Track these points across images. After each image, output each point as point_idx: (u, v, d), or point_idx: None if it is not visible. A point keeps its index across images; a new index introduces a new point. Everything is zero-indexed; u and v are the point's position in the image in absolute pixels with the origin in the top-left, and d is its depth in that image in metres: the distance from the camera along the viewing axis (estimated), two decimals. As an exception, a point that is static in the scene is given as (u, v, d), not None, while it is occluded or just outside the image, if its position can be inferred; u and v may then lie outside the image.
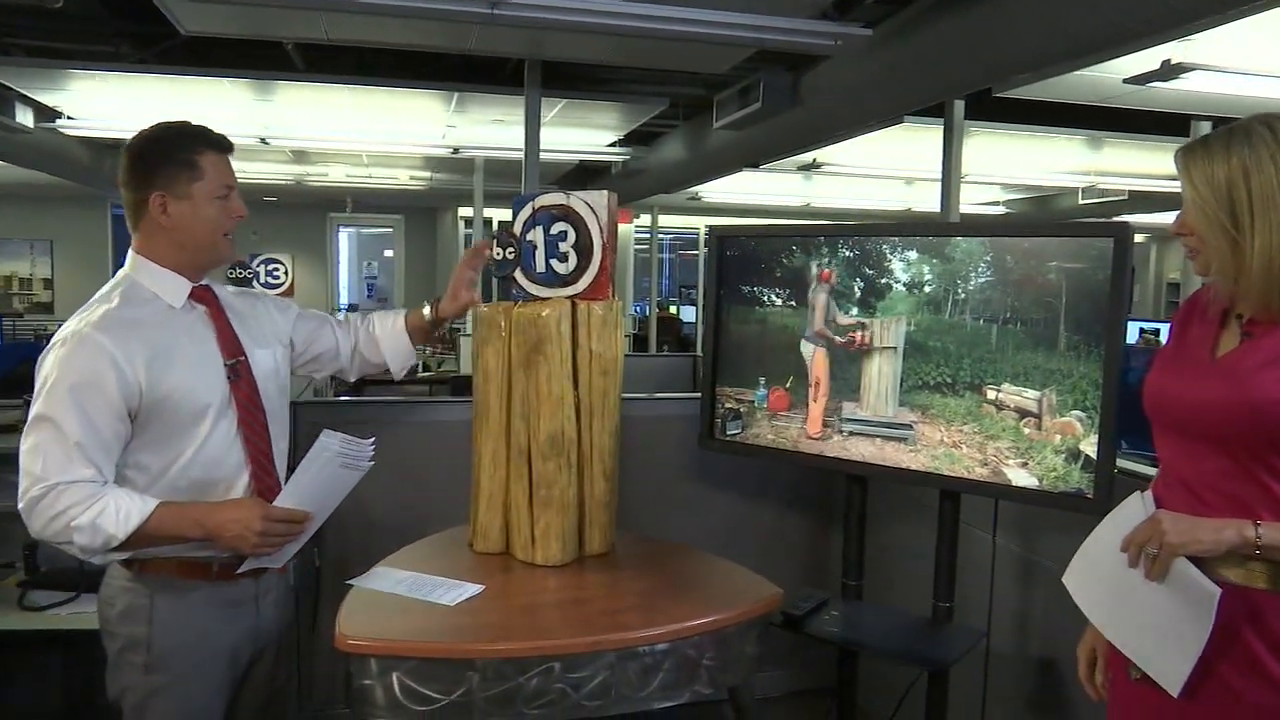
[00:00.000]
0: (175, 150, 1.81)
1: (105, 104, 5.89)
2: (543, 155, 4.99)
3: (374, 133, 6.58)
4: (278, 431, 1.94)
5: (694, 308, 13.18)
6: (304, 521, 1.79)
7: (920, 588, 2.66)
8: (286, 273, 13.01)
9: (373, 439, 1.81)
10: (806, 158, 7.15)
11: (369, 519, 2.92)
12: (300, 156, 8.47)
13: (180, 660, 1.82)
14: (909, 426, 2.17)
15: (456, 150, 6.87)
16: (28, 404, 2.60)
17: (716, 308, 2.48)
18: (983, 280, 2.05)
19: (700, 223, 12.88)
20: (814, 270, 2.31)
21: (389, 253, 13.53)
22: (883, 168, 7.32)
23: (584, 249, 2.13)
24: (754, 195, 10.49)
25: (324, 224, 12.74)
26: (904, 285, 2.17)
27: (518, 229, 2.19)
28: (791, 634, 2.24)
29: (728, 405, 2.49)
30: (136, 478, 1.78)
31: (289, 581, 2.13)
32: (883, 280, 2.20)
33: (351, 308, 8.07)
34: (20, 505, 1.69)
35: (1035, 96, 5.04)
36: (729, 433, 2.49)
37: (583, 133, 6.61)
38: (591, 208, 2.13)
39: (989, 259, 2.04)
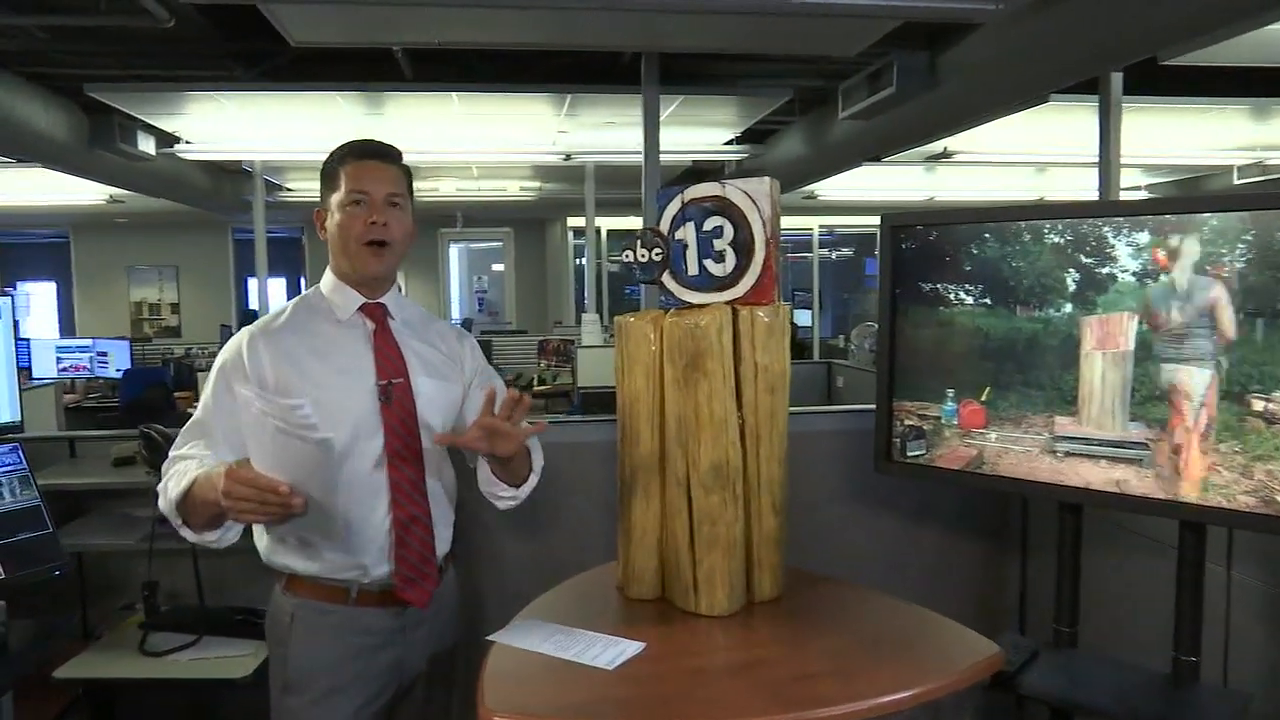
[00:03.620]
0: (325, 165, 1.82)
1: (221, 126, 5.91)
2: (659, 155, 4.73)
3: (484, 142, 6.44)
4: (438, 463, 1.86)
5: (809, 312, 12.76)
6: (278, 494, 1.46)
7: (1141, 633, 2.27)
8: (400, 289, 13.10)
9: (302, 401, 1.47)
10: (936, 147, 6.70)
11: (498, 551, 2.68)
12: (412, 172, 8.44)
13: (314, 686, 1.77)
14: (1143, 445, 1.80)
15: (568, 156, 6.68)
16: (144, 434, 2.47)
17: (892, 310, 2.15)
18: (1243, 264, 1.66)
19: (814, 222, 12.46)
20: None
21: (498, 267, 13.52)
22: (1022, 153, 6.79)
23: (744, 246, 1.83)
24: (872, 190, 10.03)
25: (435, 240, 12.81)
26: (1133, 275, 1.80)
27: (664, 226, 1.91)
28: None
29: (908, 422, 2.15)
30: None
31: (446, 615, 1.96)
32: (1104, 270, 1.83)
33: (465, 323, 7.94)
34: None
35: (1207, 62, 4.52)
36: (910, 454, 2.15)
37: (698, 132, 6.34)
38: (751, 198, 1.83)
39: (1251, 237, 1.65)
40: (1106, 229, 1.83)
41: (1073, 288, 1.88)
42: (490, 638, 1.67)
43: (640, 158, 4.73)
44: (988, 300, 2.00)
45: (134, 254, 12.13)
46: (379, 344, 1.81)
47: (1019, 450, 1.98)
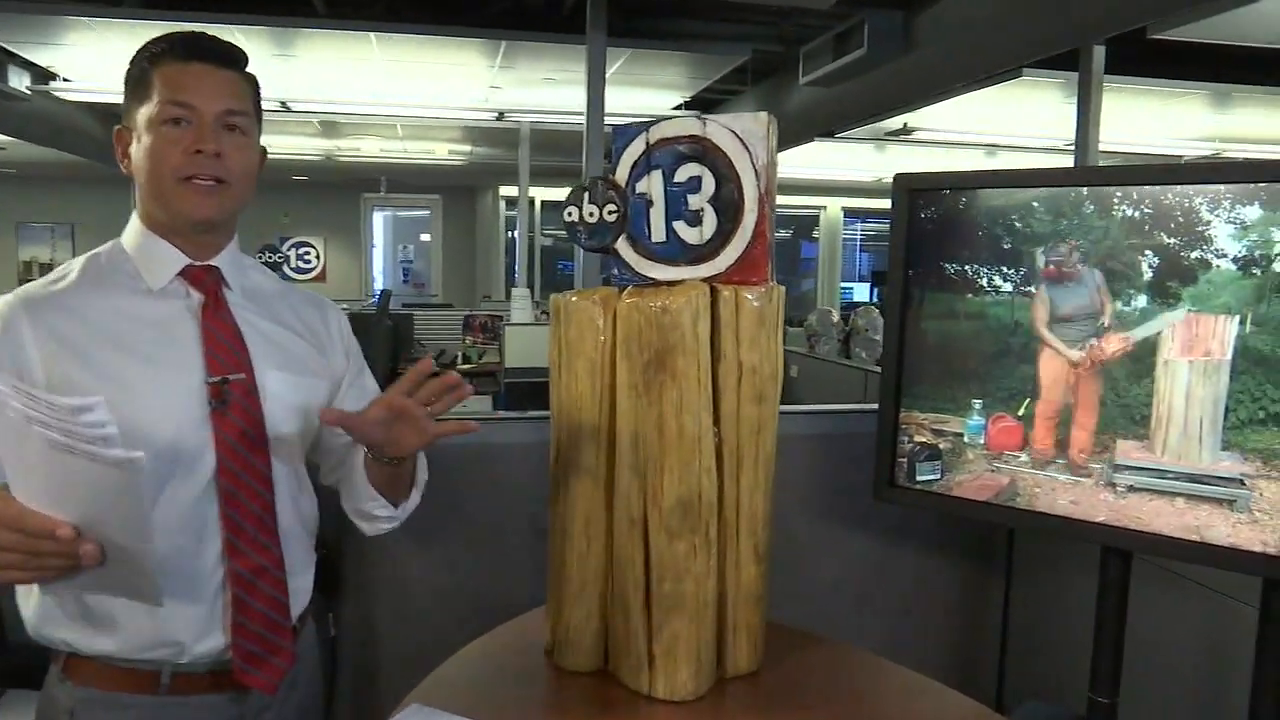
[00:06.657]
0: (130, 67, 1.29)
1: (105, 62, 5.20)
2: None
3: (409, 96, 5.84)
4: (294, 489, 1.36)
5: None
6: (57, 539, 0.98)
7: (1185, 699, 1.89)
8: (318, 257, 12.42)
9: (92, 401, 0.94)
10: (895, 123, 6.31)
11: (398, 575, 2.17)
12: (330, 129, 7.77)
13: None
14: (1239, 482, 1.38)
15: (501, 115, 6.12)
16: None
17: (903, 297, 1.70)
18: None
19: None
20: (1040, 261, 1.53)
21: (425, 236, 12.87)
22: (989, 133, 6.42)
23: (729, 205, 1.36)
24: (814, 169, 9.68)
25: (357, 205, 12.13)
26: (1234, 261, 1.37)
27: (622, 175, 1.42)
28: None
29: (919, 439, 1.70)
30: None
31: (305, 691, 1.43)
32: (1193, 254, 1.41)
33: (384, 294, 7.34)
34: None
35: (1199, 38, 4.18)
36: (921, 478, 1.70)
37: (643, 94, 5.83)
38: (742, 140, 1.35)
39: None
40: (1200, 200, 1.40)
41: (1149, 275, 1.45)
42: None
43: (581, 118, 4.22)
44: (1032, 288, 1.56)
45: (24, 210, 11.23)
46: (210, 325, 1.28)
47: (1064, 480, 1.55)
